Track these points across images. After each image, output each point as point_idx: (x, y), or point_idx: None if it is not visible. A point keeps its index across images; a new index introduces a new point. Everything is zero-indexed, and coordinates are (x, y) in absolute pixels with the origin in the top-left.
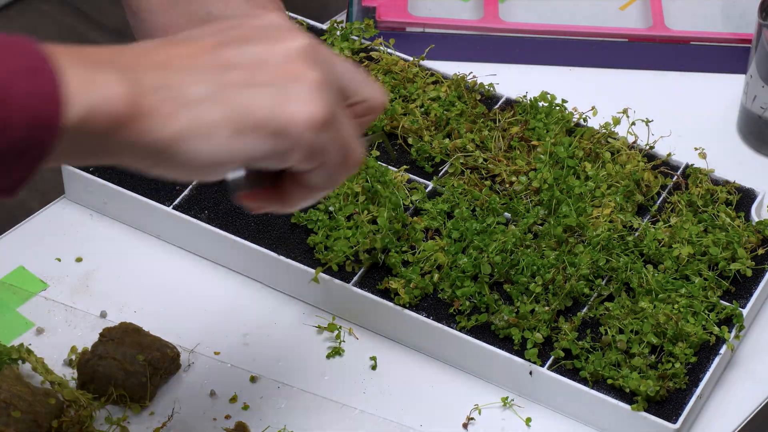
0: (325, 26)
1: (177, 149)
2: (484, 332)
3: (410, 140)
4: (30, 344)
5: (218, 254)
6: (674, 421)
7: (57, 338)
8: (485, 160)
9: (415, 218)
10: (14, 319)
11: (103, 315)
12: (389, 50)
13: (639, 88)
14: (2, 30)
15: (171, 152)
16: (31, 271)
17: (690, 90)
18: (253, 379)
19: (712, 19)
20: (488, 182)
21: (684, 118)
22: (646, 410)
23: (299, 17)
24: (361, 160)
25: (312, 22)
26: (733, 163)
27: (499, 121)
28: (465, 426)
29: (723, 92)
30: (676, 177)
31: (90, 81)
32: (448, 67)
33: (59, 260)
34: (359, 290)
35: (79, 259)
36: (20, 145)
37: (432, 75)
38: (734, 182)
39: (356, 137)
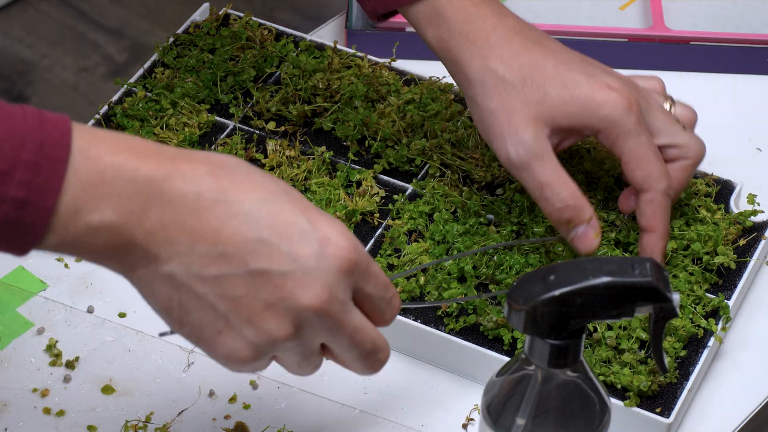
0: (309, 36)
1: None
2: (473, 334)
3: (388, 150)
4: (30, 344)
5: None
6: (667, 416)
7: (57, 338)
8: (462, 158)
9: (397, 221)
10: (14, 319)
11: (90, 310)
12: (358, 54)
13: None
14: (1, 30)
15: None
16: (31, 271)
17: (690, 90)
18: (252, 380)
19: (712, 19)
20: (468, 185)
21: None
22: (638, 405)
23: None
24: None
25: (298, 33)
26: (733, 162)
27: None
28: (465, 426)
29: (723, 92)
30: None
31: (81, 210)
32: (428, 68)
33: (59, 260)
34: None
35: (79, 259)
36: (11, 224)
37: (403, 77)
38: (712, 174)
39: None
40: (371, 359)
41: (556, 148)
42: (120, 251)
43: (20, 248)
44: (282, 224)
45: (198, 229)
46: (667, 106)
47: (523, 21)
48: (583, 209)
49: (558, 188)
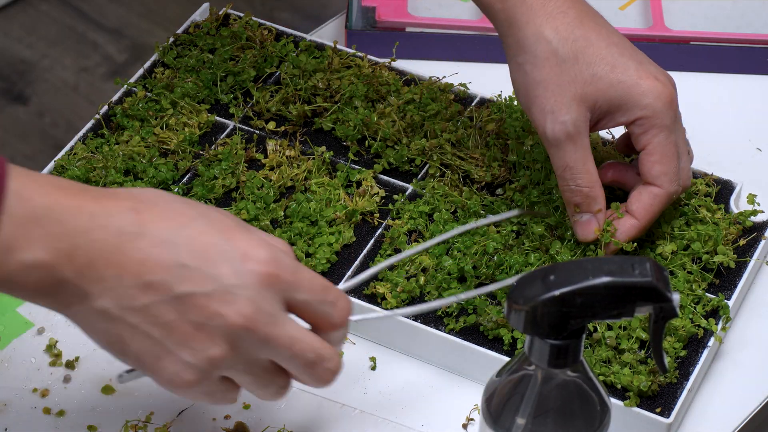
0: (309, 36)
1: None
2: (473, 334)
3: (388, 150)
4: (30, 344)
5: None
6: (667, 416)
7: (57, 338)
8: (462, 158)
9: (397, 221)
10: (14, 319)
11: None
12: (358, 54)
13: None
14: (1, 30)
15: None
16: None
17: (690, 90)
18: None
19: (712, 19)
20: (468, 185)
21: (683, 118)
22: (638, 405)
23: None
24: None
25: (298, 33)
26: (733, 162)
27: (475, 119)
28: (465, 426)
29: (723, 92)
30: None
31: (14, 248)
32: (428, 68)
33: None
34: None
35: None
36: None
37: (403, 77)
38: (712, 174)
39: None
40: (317, 369)
41: (591, 129)
42: (53, 289)
43: None
44: (200, 247)
45: (123, 263)
46: None
47: (583, 6)
48: (595, 200)
49: (578, 173)
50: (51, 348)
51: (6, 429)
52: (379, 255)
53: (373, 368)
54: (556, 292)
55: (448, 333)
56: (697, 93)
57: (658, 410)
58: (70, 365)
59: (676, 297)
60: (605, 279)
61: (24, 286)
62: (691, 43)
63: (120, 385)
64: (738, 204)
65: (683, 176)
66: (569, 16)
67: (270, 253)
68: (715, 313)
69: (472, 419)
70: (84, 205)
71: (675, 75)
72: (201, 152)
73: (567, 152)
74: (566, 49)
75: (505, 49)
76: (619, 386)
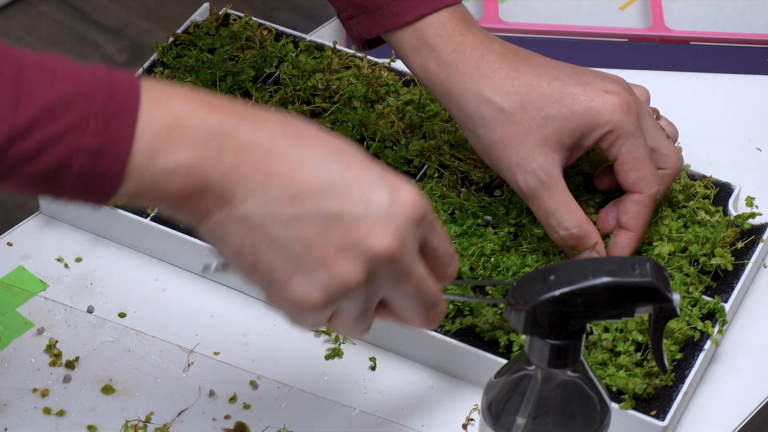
0: (309, 36)
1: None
2: (469, 335)
3: (386, 151)
4: (30, 344)
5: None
6: (662, 419)
7: (57, 338)
8: (460, 159)
9: None
10: (14, 319)
11: (90, 310)
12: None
13: None
14: (2, 30)
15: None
16: (30, 271)
17: (690, 90)
18: (252, 380)
19: (712, 19)
20: (466, 186)
21: (683, 118)
22: (633, 408)
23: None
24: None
25: (297, 33)
26: (733, 162)
27: None
28: (465, 426)
29: (723, 92)
30: None
31: (156, 153)
32: None
33: (59, 260)
34: None
35: (79, 259)
36: (88, 174)
37: (402, 78)
38: (710, 177)
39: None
40: (432, 311)
41: (564, 165)
42: (196, 195)
43: (99, 198)
44: (353, 172)
45: (272, 171)
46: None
47: (507, 44)
48: (587, 236)
49: (563, 216)
50: (51, 348)
51: (6, 429)
52: None
53: (373, 368)
54: (556, 292)
55: (444, 334)
56: (697, 93)
57: (653, 413)
58: (70, 365)
59: (676, 297)
60: (605, 279)
61: (166, 193)
62: (691, 43)
63: (120, 386)
64: (737, 206)
65: (670, 161)
66: (504, 70)
67: (418, 192)
68: (711, 316)
69: (472, 419)
70: (229, 114)
71: (675, 75)
72: None
73: (545, 200)
74: (511, 102)
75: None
76: (614, 389)
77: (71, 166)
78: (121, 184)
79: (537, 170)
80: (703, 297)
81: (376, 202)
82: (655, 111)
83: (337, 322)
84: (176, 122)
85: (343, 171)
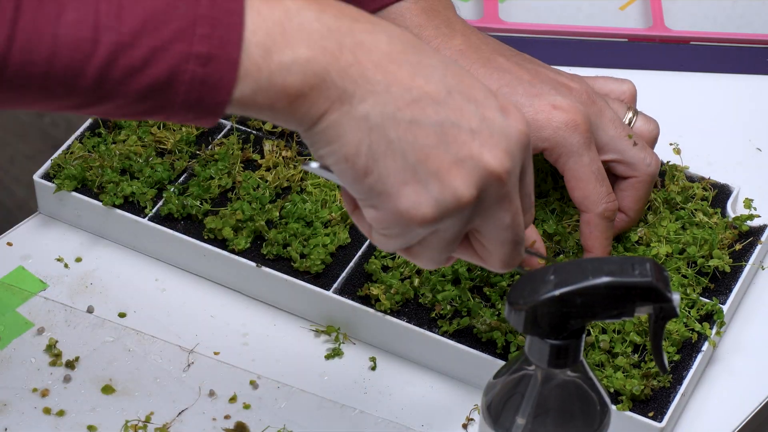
0: None
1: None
2: (466, 336)
3: None
4: (30, 344)
5: (211, 272)
6: (660, 420)
7: (57, 338)
8: None
9: None
10: (14, 319)
11: (90, 310)
12: None
13: (638, 89)
14: None
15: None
16: (30, 271)
17: (690, 90)
18: (252, 380)
19: (712, 19)
20: None
21: (683, 118)
22: (631, 409)
23: None
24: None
25: None
26: (732, 163)
27: None
28: (465, 426)
29: (723, 92)
30: None
31: (272, 49)
32: None
33: (59, 260)
34: (339, 297)
35: (79, 259)
36: (199, 83)
37: None
38: (709, 178)
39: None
40: (515, 249)
41: None
42: (315, 92)
43: (212, 110)
44: (467, 85)
45: (393, 71)
46: (628, 116)
47: (474, 40)
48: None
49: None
50: (51, 348)
51: (6, 429)
52: (373, 256)
53: (373, 368)
54: (556, 292)
55: (442, 335)
56: (697, 93)
57: (650, 414)
58: (70, 365)
59: (676, 297)
60: (605, 279)
61: (284, 90)
62: (691, 43)
63: (120, 386)
64: (735, 208)
65: (639, 169)
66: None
67: (525, 116)
68: (709, 318)
69: (472, 419)
70: (343, 13)
71: (675, 75)
72: (197, 152)
73: None
74: None
75: None
76: (612, 390)
77: (182, 74)
78: (234, 89)
79: None
80: (701, 299)
81: (490, 118)
82: (632, 109)
83: (423, 247)
84: (289, 18)
85: (458, 83)
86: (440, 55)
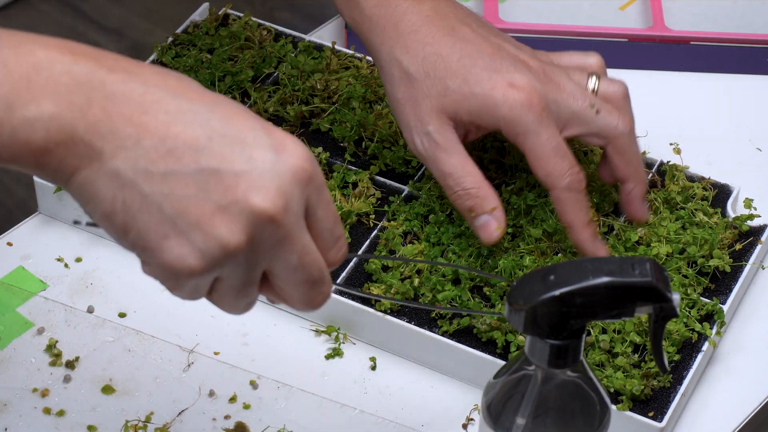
0: (308, 36)
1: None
2: (466, 336)
3: (384, 152)
4: (30, 344)
5: None
6: (660, 420)
7: (57, 338)
8: None
9: (392, 222)
10: (14, 319)
11: (90, 310)
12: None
13: (638, 88)
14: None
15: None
16: (30, 271)
17: (690, 90)
18: (252, 380)
19: (712, 19)
20: None
21: (683, 118)
22: (631, 409)
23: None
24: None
25: (297, 33)
26: (732, 163)
27: None
28: (465, 426)
29: (723, 92)
30: (651, 174)
31: (15, 103)
32: None
33: (59, 260)
34: (339, 297)
35: (79, 259)
36: None
37: None
38: (709, 178)
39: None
40: (315, 290)
41: (464, 140)
42: (61, 148)
43: None
44: (234, 126)
45: (145, 123)
46: (592, 81)
47: (443, 5)
48: (485, 199)
49: (460, 178)
50: (51, 348)
51: (6, 429)
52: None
53: (373, 368)
54: (556, 292)
55: (442, 335)
56: (697, 93)
57: (650, 414)
58: (70, 365)
59: (676, 297)
60: (605, 279)
61: (28, 146)
62: (691, 43)
63: (120, 386)
64: (735, 208)
65: (609, 133)
66: (421, 34)
67: (307, 152)
68: (709, 318)
69: (472, 419)
70: (99, 62)
71: (675, 75)
72: None
73: (442, 161)
74: (416, 68)
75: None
76: (612, 390)
77: None
78: None
79: (433, 133)
80: (701, 299)
81: (259, 158)
82: (594, 75)
83: (218, 294)
84: (37, 71)
85: (223, 125)
86: (209, 96)
